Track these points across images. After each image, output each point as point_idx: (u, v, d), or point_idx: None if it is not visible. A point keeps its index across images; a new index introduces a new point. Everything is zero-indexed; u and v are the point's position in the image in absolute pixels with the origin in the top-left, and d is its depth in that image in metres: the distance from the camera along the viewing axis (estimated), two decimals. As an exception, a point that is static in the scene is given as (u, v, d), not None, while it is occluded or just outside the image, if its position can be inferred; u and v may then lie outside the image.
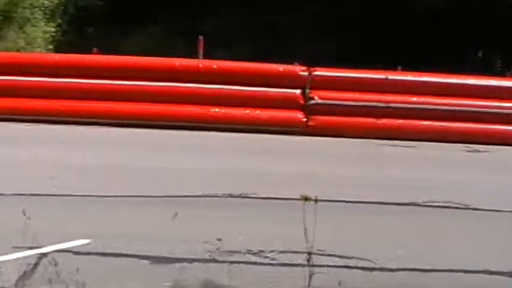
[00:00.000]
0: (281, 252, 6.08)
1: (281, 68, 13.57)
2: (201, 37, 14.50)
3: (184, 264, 5.76)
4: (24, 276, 5.40)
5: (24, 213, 4.83)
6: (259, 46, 18.02)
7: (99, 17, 22.07)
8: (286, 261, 5.89)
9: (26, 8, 19.85)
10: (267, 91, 13.31)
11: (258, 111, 13.19)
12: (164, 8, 21.49)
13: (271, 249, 6.11)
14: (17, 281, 5.29)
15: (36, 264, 5.57)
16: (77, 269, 4.77)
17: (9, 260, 5.58)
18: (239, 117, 13.04)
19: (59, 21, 21.50)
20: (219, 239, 5.54)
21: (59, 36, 20.94)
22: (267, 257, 6.03)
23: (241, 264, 5.79)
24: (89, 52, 14.17)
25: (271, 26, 20.38)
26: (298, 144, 12.49)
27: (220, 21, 20.45)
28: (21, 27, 19.63)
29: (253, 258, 5.98)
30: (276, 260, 5.94)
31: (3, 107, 13.06)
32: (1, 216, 6.94)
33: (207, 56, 14.42)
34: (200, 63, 13.81)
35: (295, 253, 5.79)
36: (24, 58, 14.99)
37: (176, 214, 5.74)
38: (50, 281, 4.86)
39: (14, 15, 19.37)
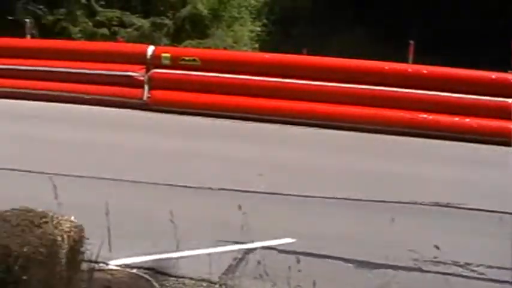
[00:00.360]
0: (489, 267, 5.86)
1: (493, 75, 13.08)
2: (411, 42, 14.29)
3: (389, 270, 5.69)
4: (230, 270, 5.50)
5: (239, 208, 4.91)
6: (469, 52, 17.51)
7: (304, 17, 22.30)
8: (495, 277, 5.67)
9: (234, 7, 20.37)
10: (477, 99, 12.87)
11: (468, 119, 12.80)
12: (371, 11, 21.38)
13: (480, 263, 5.90)
14: (223, 274, 5.39)
15: (241, 259, 5.67)
16: (289, 267, 4.78)
17: (215, 253, 5.69)
18: (448, 124, 12.68)
19: (265, 21, 21.95)
20: (437, 247, 5.37)
21: (264, 36, 21.37)
22: (474, 270, 5.83)
23: (447, 276, 5.63)
24: (296, 53, 14.28)
25: (479, 31, 19.76)
26: (509, 155, 12.00)
27: (429, 26, 20.09)
28: (229, 26, 20.14)
29: (460, 271, 5.81)
30: (484, 275, 5.74)
31: (220, 103, 13.40)
32: (208, 209, 7.11)
33: (415, 61, 14.19)
34: (410, 67, 13.58)
35: (507, 269, 5.57)
36: (234, 56, 15.30)
37: (393, 220, 5.65)
38: (256, 277, 4.91)
39: (222, 13, 19.92)
